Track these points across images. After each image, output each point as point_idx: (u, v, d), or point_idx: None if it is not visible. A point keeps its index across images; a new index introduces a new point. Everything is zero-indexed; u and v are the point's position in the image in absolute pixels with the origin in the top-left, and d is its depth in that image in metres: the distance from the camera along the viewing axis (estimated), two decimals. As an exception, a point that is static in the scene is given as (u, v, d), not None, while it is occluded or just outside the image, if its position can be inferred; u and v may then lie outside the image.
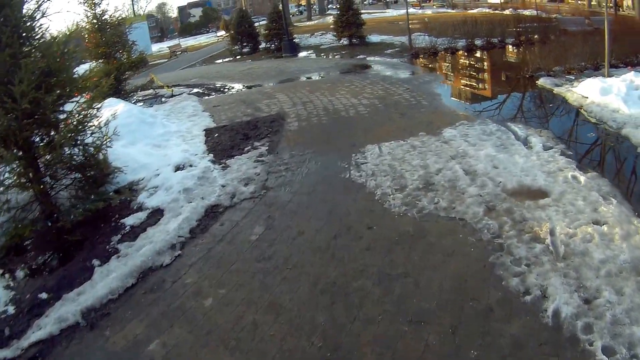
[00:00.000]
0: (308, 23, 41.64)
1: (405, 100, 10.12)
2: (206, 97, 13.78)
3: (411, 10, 46.77)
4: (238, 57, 25.57)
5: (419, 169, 6.40)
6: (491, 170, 6.16)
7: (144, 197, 6.50)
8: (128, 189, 6.51)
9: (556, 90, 10.35)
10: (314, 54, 21.50)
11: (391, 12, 43.84)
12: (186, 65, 27.39)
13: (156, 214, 6.02)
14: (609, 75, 10.40)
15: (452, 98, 10.42)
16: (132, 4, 56.24)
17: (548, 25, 18.86)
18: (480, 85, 11.53)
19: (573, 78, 11.19)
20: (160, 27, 76.32)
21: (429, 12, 38.05)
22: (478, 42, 17.48)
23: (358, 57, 18.37)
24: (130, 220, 5.92)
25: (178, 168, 7.37)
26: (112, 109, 10.13)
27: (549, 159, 6.41)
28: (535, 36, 17.76)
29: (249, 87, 14.58)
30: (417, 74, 13.49)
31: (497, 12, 34.49)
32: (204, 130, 9.68)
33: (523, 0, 41.04)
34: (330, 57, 19.88)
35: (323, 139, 8.18)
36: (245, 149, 8.17)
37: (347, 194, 5.99)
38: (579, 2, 40.90)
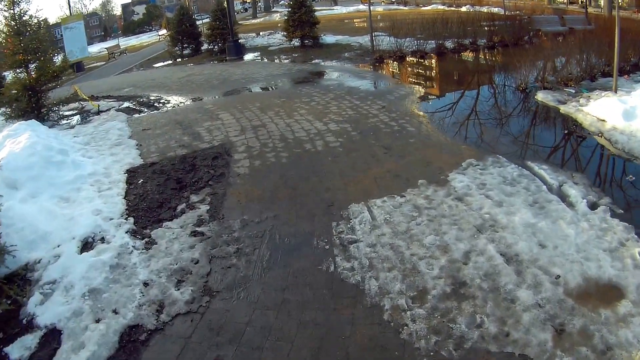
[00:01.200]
0: (253, 21, 38.96)
1: (385, 125, 8.02)
2: (136, 115, 11.18)
3: (360, 7, 45.20)
4: (178, 60, 22.75)
5: (438, 254, 4.33)
6: (538, 252, 4.25)
7: (36, 301, 4.29)
8: (17, 283, 4.28)
9: (563, 109, 8.63)
10: (262, 57, 19.10)
11: (340, 9, 41.94)
12: (122, 69, 24.30)
13: (50, 341, 3.81)
14: (616, 89, 8.84)
15: (442, 120, 8.39)
16: (69, 3, 51.67)
17: (519, 24, 17.34)
18: (470, 102, 9.56)
19: (574, 92, 9.54)
20: (104, 25, 71.92)
21: (379, 9, 36.31)
22: (448, 44, 15.68)
23: (313, 61, 16.17)
24: (15, 351, 3.74)
25: (85, 244, 5.11)
26: (12, 141, 7.66)
27: (602, 226, 4.67)
28: (508, 37, 16.18)
29: (187, 102, 12.06)
30: (388, 86, 11.45)
31: (452, 9, 33.27)
32: (127, 171, 7.19)
33: (476, -4, 40.23)
34: (281, 61, 17.56)
35: (286, 192, 5.93)
36: (179, 208, 5.81)
37: (337, 309, 3.82)
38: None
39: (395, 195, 5.49)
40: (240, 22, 33.76)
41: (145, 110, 11.79)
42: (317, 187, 5.89)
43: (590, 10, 24.50)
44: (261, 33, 26.26)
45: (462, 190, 5.47)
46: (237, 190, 6.06)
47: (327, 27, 22.47)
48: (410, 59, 15.11)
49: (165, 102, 12.54)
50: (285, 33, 20.43)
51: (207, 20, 26.08)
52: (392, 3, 44.78)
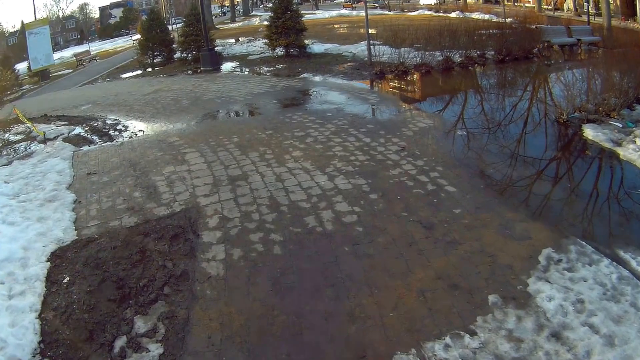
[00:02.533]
0: (232, 26, 36.57)
1: (413, 182, 5.91)
2: (85, 148, 8.95)
3: (343, 11, 43.15)
4: (149, 69, 20.34)
5: None
6: None
7: None
8: None
9: (622, 153, 6.76)
10: (242, 69, 16.87)
11: (322, 14, 39.87)
12: (88, 79, 21.73)
13: None
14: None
15: (484, 173, 6.28)
16: (34, 6, 48.59)
17: (526, 35, 15.49)
18: (511, 143, 7.36)
19: (620, 126, 7.60)
20: (81, 29, 68.96)
21: (363, 13, 34.15)
22: (456, 57, 13.70)
23: (301, 75, 14.06)
24: None
25: None
26: None
27: None
28: (517, 50, 14.32)
29: (148, 130, 9.80)
30: (400, 113, 9.35)
31: (440, 14, 31.50)
32: (51, 256, 4.95)
33: (464, 2, 38.66)
34: (263, 74, 15.33)
35: (285, 321, 3.75)
36: (116, 345, 3.63)
37: None
38: (517, 3, 39.17)
39: (461, 332, 3.39)
40: (218, 27, 31.45)
41: (98, 140, 9.55)
42: (334, 314, 3.71)
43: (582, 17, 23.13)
44: (240, 39, 23.99)
45: (557, 318, 3.45)
46: (206, 314, 3.84)
47: (311, 33, 20.28)
48: (415, 74, 13.06)
49: (123, 129, 10.28)
50: (267, 41, 18.18)
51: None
52: (376, 7, 42.87)
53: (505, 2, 33.87)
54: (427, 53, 13.70)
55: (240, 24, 37.55)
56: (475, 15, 28.72)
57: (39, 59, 25.65)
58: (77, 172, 7.44)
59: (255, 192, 5.88)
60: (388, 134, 7.73)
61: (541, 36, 15.82)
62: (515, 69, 13.60)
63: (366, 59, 14.52)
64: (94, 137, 9.89)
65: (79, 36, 66.56)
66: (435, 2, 41.57)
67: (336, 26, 27.27)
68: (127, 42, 41.74)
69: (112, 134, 9.96)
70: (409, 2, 47.32)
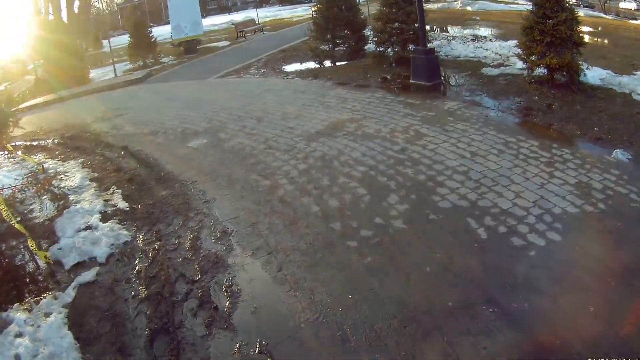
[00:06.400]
0: (428, 6, 28.40)
1: None
2: None
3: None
4: (326, 62, 14.15)
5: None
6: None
7: None
8: None
9: None
10: (479, 96, 9.57)
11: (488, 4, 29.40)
12: (235, 65, 16.32)
13: None
14: None
15: None
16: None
17: None
18: None
19: None
20: None
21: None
22: None
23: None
24: None
25: None
26: None
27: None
28: None
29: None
30: None
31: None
32: None
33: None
34: (539, 131, 7.86)
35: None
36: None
37: None
38: None
39: None
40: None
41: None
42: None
43: None
44: (450, 29, 16.59)
45: None
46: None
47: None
48: None
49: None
50: (520, 51, 10.31)
51: None
52: (579, 6, 30.98)
53: None
54: None
55: (440, 5, 28.84)
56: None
57: (183, 27, 20.84)
58: None
59: None
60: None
61: None
62: None
63: None
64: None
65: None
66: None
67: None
68: (306, 10, 36.22)
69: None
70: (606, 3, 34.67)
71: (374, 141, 7.17)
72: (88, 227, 5.57)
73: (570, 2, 9.74)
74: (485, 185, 5.65)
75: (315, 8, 15.05)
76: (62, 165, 8.11)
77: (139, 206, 6.02)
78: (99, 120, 11.18)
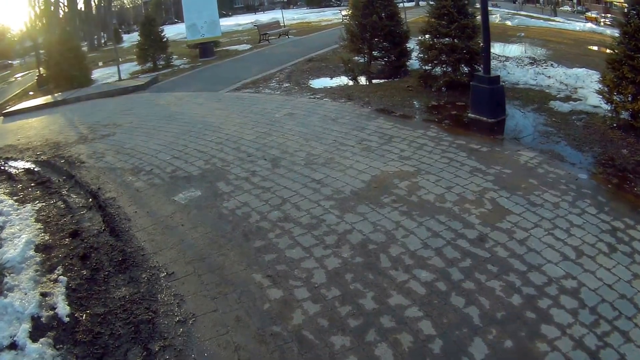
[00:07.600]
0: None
1: None
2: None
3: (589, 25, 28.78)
4: (361, 78, 12.00)
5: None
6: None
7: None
8: None
9: None
10: (559, 154, 7.30)
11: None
12: (252, 75, 14.37)
13: None
14: None
15: None
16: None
17: None
18: None
19: None
20: None
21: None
22: None
23: None
24: None
25: None
26: None
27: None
28: None
29: None
30: None
31: None
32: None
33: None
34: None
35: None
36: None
37: None
38: None
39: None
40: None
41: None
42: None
43: None
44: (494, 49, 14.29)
45: None
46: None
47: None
48: None
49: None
50: (608, 87, 7.89)
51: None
52: None
53: None
54: None
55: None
56: None
57: (199, 27, 18.78)
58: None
59: None
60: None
61: None
62: None
63: None
64: None
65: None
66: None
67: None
68: (336, 15, 34.08)
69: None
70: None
71: (437, 218, 4.94)
72: (12, 346, 3.59)
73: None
74: (606, 318, 3.45)
75: (349, 13, 12.89)
76: (16, 212, 6.11)
77: (84, 316, 3.92)
78: (81, 140, 9.18)
